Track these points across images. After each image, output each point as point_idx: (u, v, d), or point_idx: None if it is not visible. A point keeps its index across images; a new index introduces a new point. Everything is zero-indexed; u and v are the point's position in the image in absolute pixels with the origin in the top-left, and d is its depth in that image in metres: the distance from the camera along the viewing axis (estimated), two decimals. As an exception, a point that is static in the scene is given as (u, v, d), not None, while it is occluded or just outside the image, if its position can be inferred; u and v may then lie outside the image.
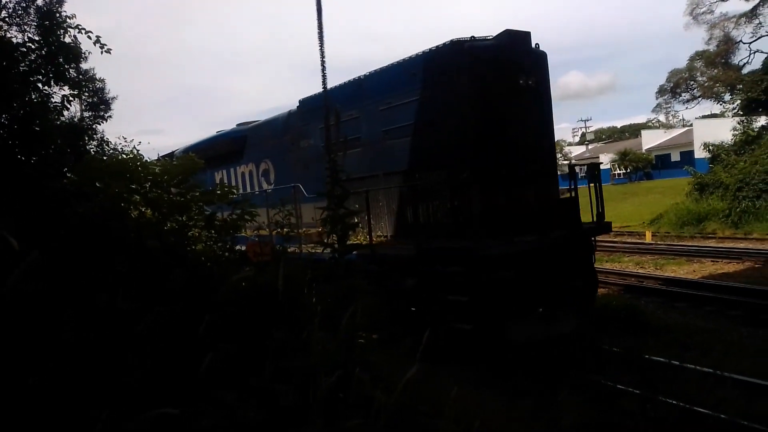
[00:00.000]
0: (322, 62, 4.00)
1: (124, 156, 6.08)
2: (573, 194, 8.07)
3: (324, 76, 4.10)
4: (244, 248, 6.37)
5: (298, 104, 10.74)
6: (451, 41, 7.54)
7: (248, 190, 12.61)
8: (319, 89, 9.93)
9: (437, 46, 7.78)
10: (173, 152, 15.20)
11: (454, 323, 6.71)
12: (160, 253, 4.16)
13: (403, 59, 8.42)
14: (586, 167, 8.61)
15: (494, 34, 7.70)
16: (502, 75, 7.47)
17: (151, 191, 5.33)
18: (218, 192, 5.36)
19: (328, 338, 3.57)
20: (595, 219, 8.13)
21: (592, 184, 8.16)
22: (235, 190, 6.00)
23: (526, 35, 7.83)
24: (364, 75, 9.31)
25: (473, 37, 7.52)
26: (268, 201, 9.88)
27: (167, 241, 4.54)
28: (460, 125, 7.45)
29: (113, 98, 24.99)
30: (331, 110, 4.31)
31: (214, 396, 3.07)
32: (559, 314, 7.18)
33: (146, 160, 5.72)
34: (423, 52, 8.04)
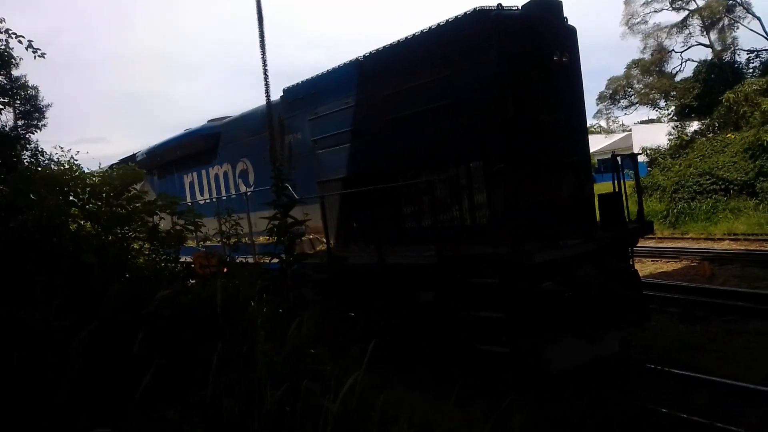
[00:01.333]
0: (265, 70, 3.97)
1: (61, 167, 5.84)
2: (617, 188, 7.09)
3: (267, 84, 4.06)
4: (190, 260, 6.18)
5: (282, 94, 9.46)
6: (475, 9, 6.40)
7: (223, 193, 11.43)
8: (296, 80, 9.06)
9: (456, 16, 6.65)
10: (135, 155, 14.19)
11: (482, 345, 5.81)
12: (98, 267, 4.01)
13: (414, 34, 7.21)
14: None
15: (519, 4, 6.67)
16: (535, 50, 6.47)
17: (90, 203, 5.13)
18: (160, 202, 5.20)
19: (276, 350, 3.52)
20: (627, 217, 7.27)
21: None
22: (179, 200, 5.83)
23: (558, 5, 6.82)
24: (365, 55, 7.97)
25: (500, 5, 6.44)
26: (250, 205, 9.09)
27: (106, 254, 4.37)
28: (486, 108, 6.35)
29: (48, 106, 23.94)
30: (276, 119, 4.25)
31: (155, 413, 2.97)
32: (601, 332, 6.13)
33: (84, 171, 5.50)
34: (438, 24, 6.87)
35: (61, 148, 6.31)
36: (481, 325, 5.83)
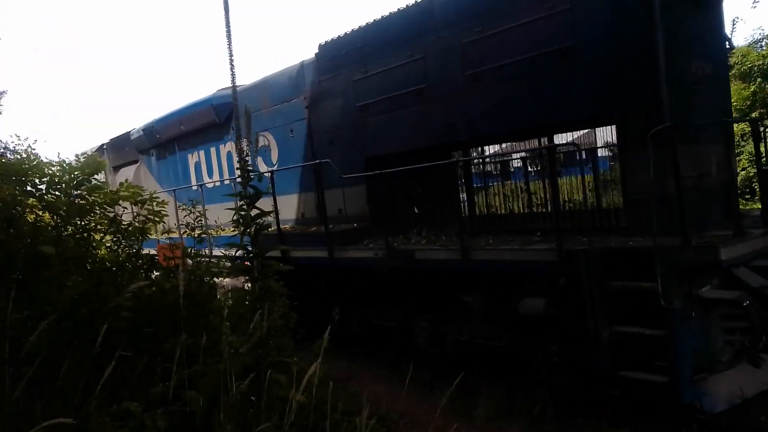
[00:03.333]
0: (231, 61, 3.93)
1: (18, 156, 5.65)
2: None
3: (233, 75, 4.02)
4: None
5: (316, 51, 7.87)
6: None
7: (237, 174, 10.19)
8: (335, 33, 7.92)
9: None
10: (129, 132, 12.90)
11: (629, 373, 4.50)
12: (57, 259, 3.92)
13: None
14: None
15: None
16: None
17: (48, 193, 4.99)
18: (123, 192, 5.09)
19: (242, 341, 3.51)
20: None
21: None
22: (142, 190, 5.67)
23: None
24: None
25: None
26: (275, 186, 7.42)
27: (66, 246, 4.27)
28: (625, 54, 4.90)
29: (2, 93, 22.98)
30: (241, 108, 4.18)
31: (117, 406, 2.94)
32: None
33: (42, 160, 5.35)
34: None
35: (18, 136, 6.12)
36: (625, 346, 4.54)
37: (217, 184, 9.93)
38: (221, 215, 8.73)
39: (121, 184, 5.23)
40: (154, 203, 5.36)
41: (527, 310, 5.07)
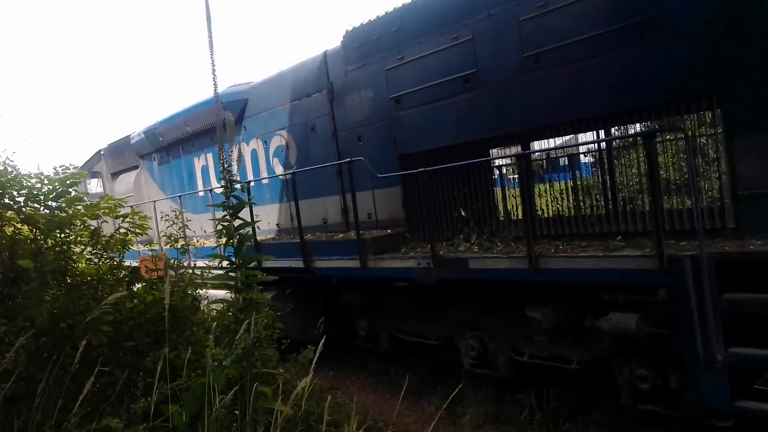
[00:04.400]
0: (213, 70, 3.91)
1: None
2: None
3: (215, 85, 4.00)
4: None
5: (342, 39, 7.14)
6: None
7: (250, 177, 8.76)
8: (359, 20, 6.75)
9: None
10: (128, 136, 12.21)
11: (744, 402, 3.78)
12: (36, 273, 3.84)
13: None
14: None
15: None
16: None
17: (27, 206, 4.91)
18: (104, 204, 5.02)
19: (226, 354, 3.47)
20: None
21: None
22: (123, 202, 5.59)
23: None
24: None
25: None
26: (293, 190, 6.89)
27: (45, 260, 4.20)
28: (726, 24, 4.19)
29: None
30: (222, 114, 4.15)
31: (98, 423, 2.89)
32: None
33: (20, 173, 5.27)
34: None
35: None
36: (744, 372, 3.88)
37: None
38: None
39: (102, 198, 5.16)
40: (136, 216, 5.30)
41: (615, 327, 4.35)
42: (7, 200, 4.89)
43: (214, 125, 8.81)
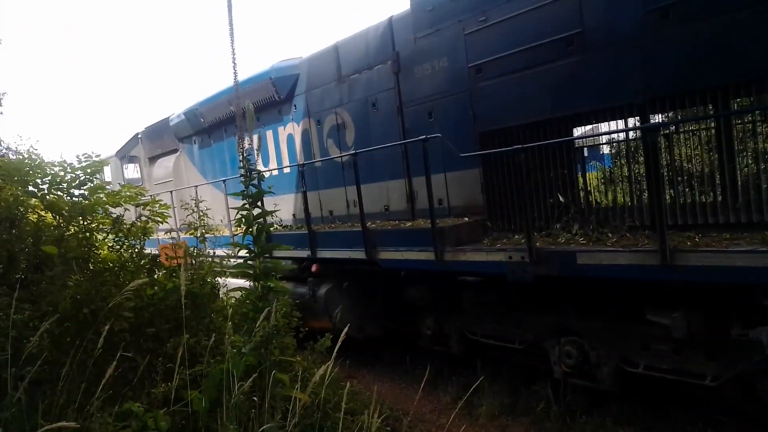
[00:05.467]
0: (233, 59, 3.91)
1: (20, 156, 5.66)
2: None
3: (235, 74, 4.01)
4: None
5: (411, 3, 6.34)
6: None
7: (300, 159, 7.95)
8: None
9: None
10: (168, 118, 11.43)
11: None
12: (60, 259, 3.92)
13: None
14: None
15: None
16: None
17: (51, 193, 5.00)
18: (126, 192, 5.09)
19: (244, 341, 3.51)
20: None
21: None
22: (145, 191, 5.66)
23: None
24: None
25: None
26: (350, 173, 6.25)
27: (68, 246, 4.28)
28: None
29: (2, 94, 23.05)
30: (242, 104, 4.14)
31: (120, 407, 2.94)
32: None
33: (43, 160, 5.36)
34: None
35: (20, 136, 6.12)
36: None
37: (275, 173, 8.42)
38: (285, 206, 7.97)
39: (123, 186, 5.23)
40: (157, 205, 5.37)
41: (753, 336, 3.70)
42: (31, 188, 4.99)
43: (262, 103, 8.35)
